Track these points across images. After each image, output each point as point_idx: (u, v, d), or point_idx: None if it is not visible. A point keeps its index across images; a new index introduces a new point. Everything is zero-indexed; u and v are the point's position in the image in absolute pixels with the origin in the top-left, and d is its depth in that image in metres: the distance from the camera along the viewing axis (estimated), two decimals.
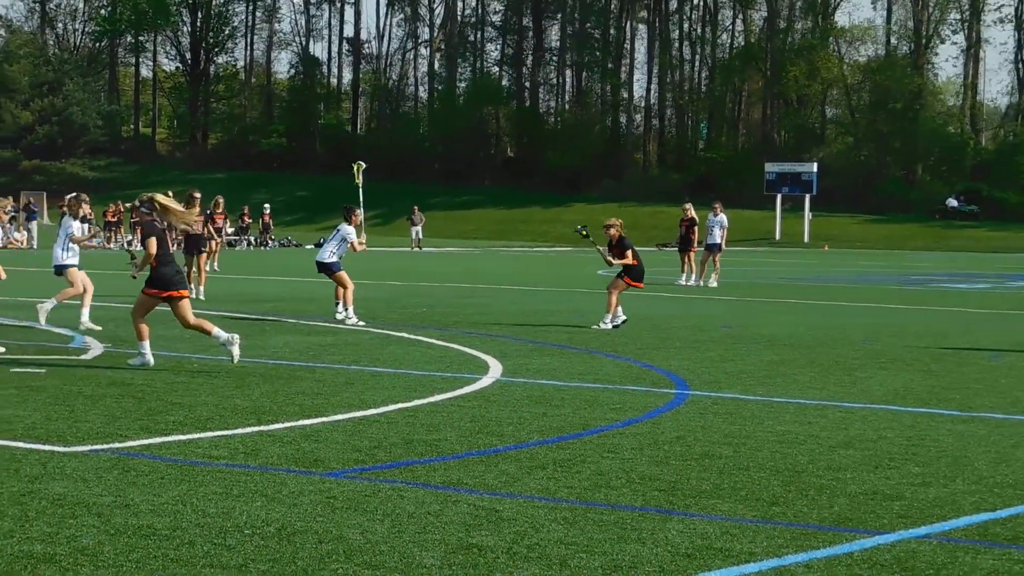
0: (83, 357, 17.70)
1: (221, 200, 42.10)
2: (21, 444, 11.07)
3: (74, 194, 24.65)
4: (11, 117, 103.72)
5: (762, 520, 9.01)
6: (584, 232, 25.65)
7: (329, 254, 24.80)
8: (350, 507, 9.09)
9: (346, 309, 24.17)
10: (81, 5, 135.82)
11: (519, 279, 41.89)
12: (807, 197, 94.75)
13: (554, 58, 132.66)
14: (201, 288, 29.80)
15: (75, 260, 22.59)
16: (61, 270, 22.60)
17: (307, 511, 8.93)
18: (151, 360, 16.64)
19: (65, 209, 23.15)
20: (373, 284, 37.53)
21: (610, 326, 23.36)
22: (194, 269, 29.96)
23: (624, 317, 23.79)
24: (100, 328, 21.21)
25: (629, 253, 24.02)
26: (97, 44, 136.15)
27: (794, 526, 8.87)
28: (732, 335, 22.99)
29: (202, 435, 11.78)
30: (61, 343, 19.45)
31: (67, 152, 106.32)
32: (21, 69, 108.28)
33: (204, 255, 31.02)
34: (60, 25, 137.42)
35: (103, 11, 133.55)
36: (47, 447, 10.97)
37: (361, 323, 23.69)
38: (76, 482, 9.66)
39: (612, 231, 24.29)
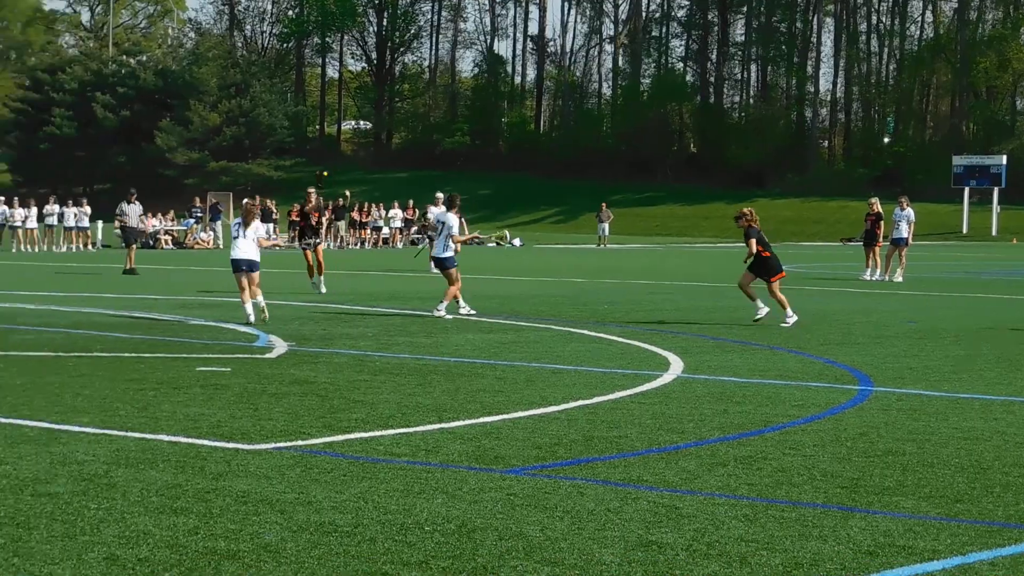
0: (267, 356, 17.93)
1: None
2: (206, 442, 11.24)
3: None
4: (199, 119, 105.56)
5: (946, 517, 8.85)
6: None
7: (444, 248, 24.45)
8: (530, 504, 9.09)
9: (442, 303, 24.07)
10: (269, 7, 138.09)
11: (702, 276, 41.61)
12: (995, 190, 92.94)
13: (739, 53, 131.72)
14: (321, 279, 30.34)
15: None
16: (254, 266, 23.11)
17: (487, 508, 8.95)
18: None
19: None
20: (556, 281, 37.57)
21: (792, 321, 23.04)
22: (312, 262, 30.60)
23: (762, 313, 23.30)
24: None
25: (753, 242, 23.39)
26: (284, 45, 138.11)
27: (979, 523, 8.71)
28: (917, 330, 22.62)
29: (384, 432, 11.87)
30: (246, 342, 19.72)
31: (254, 153, 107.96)
32: (210, 71, 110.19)
33: (320, 247, 31.16)
34: (248, 27, 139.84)
35: (290, 13, 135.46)
36: (231, 445, 11.13)
37: (454, 314, 23.81)
38: (259, 479, 9.78)
39: (740, 222, 23.92)
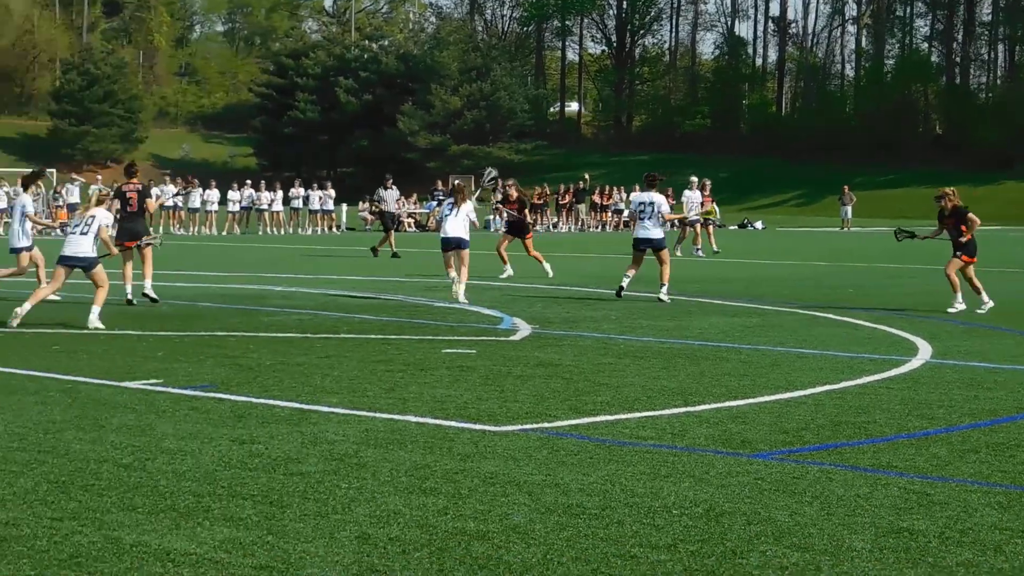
0: (512, 338, 18.03)
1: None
2: (453, 423, 11.33)
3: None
4: (441, 103, 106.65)
5: None
6: (902, 236, 24.58)
7: (655, 229, 23.88)
8: (778, 489, 8.99)
9: (664, 287, 23.60)
10: None
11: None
12: None
13: (985, 32, 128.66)
14: (547, 266, 30.05)
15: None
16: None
17: (735, 492, 8.88)
18: None
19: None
20: (799, 264, 37.18)
21: (986, 307, 22.20)
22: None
23: (990, 302, 22.41)
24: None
25: (973, 218, 22.57)
26: (524, 29, 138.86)
27: None
28: None
29: (629, 415, 11.85)
30: (491, 324, 19.86)
31: (494, 136, 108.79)
32: (451, 55, 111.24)
33: (528, 238, 31.02)
34: (488, 11, 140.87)
35: None
36: (478, 426, 11.20)
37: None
38: (507, 461, 9.83)
39: (943, 202, 22.86)
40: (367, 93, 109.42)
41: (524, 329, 19.02)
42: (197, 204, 61.68)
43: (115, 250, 20.89)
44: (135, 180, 23.02)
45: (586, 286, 27.11)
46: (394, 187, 44.43)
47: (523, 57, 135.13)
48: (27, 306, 18.65)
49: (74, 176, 68.90)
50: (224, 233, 59.69)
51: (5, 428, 10.85)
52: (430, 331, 18.76)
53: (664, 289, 23.58)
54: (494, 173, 31.43)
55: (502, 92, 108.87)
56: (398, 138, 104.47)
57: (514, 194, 31.82)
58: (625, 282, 23.85)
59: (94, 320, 18.70)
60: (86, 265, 19.38)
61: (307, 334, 18.21)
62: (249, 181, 66.24)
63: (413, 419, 11.48)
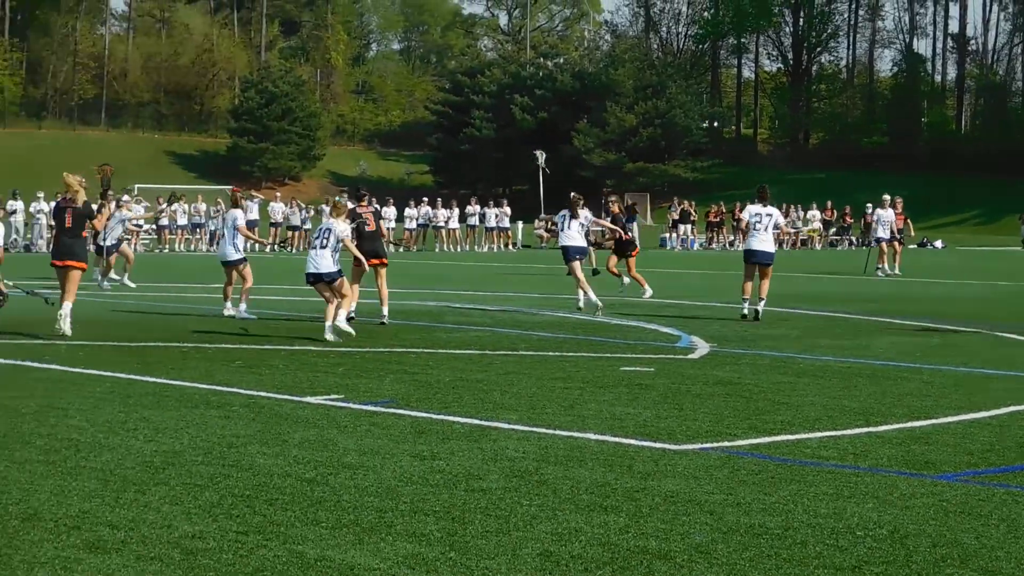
0: (690, 357, 17.94)
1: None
2: (633, 441, 11.29)
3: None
4: (616, 120, 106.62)
5: None
6: None
7: (333, 262, 21.70)
8: (963, 511, 8.83)
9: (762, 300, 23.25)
10: (684, 9, 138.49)
11: None
12: None
13: None
14: (647, 289, 28.78)
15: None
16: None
17: (919, 514, 8.74)
18: None
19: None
20: (980, 284, 36.54)
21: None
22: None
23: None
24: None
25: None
26: (699, 47, 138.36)
27: None
28: None
29: (810, 435, 11.72)
30: (668, 343, 19.78)
31: (669, 154, 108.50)
32: (626, 73, 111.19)
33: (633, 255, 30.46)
34: (664, 29, 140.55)
35: (706, 14, 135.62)
36: (658, 444, 11.16)
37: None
38: (687, 479, 9.77)
39: None
40: (542, 111, 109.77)
41: (702, 347, 18.91)
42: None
43: (366, 266, 21.79)
44: (364, 204, 23.12)
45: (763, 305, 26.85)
46: (586, 208, 44.29)
47: (699, 75, 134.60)
48: (338, 320, 19.86)
49: (253, 193, 69.94)
50: (401, 250, 60.18)
51: (190, 442, 11.03)
52: (608, 349, 18.75)
53: (762, 303, 23.37)
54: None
55: (677, 110, 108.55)
56: (573, 155, 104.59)
57: (615, 210, 31.31)
58: (746, 306, 23.51)
59: (342, 322, 19.73)
60: (330, 279, 19.97)
61: (485, 351, 18.29)
62: (426, 198, 66.78)
63: (592, 436, 11.47)
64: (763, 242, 23.58)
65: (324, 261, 19.98)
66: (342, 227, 20.35)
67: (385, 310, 22.03)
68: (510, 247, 65.60)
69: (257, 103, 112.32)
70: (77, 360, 16.65)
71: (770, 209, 23.74)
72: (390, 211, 63.89)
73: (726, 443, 11.28)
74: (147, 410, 12.70)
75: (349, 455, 10.50)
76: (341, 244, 20.19)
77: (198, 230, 61.61)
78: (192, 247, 60.76)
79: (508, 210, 66.08)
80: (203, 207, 62.56)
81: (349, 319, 20.63)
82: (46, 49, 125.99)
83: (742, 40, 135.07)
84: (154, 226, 61.50)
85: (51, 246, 20.59)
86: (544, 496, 9.15)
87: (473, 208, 65.30)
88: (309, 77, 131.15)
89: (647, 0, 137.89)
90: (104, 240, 30.44)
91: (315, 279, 20.07)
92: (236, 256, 23.35)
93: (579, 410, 12.98)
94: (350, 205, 22.64)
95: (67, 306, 19.27)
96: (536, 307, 26.19)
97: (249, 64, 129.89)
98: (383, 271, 22.23)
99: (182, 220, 60.64)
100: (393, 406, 13.06)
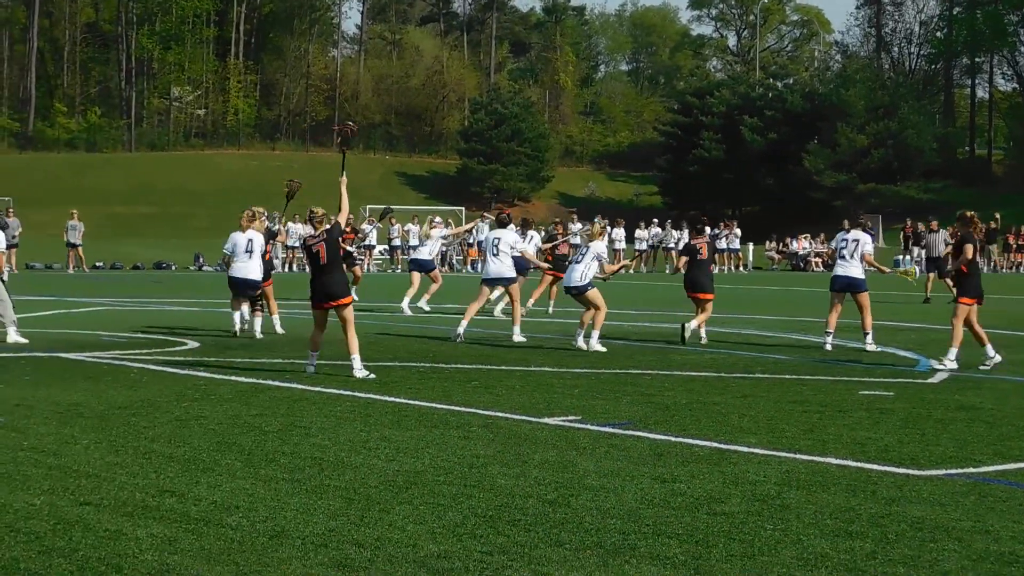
0: (929, 381, 17.63)
1: None
2: (875, 466, 11.13)
3: None
4: (847, 141, 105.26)
5: None
6: None
7: (580, 276, 21.48)
8: None
9: (588, 336, 21.39)
10: (916, 28, 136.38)
11: None
12: None
13: None
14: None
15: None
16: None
17: None
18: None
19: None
20: None
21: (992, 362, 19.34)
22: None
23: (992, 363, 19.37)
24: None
25: (969, 248, 19.37)
26: (932, 66, 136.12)
27: None
28: None
29: None
30: (907, 366, 19.46)
31: (902, 175, 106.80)
32: (857, 93, 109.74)
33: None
34: (895, 49, 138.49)
35: (939, 34, 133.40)
36: (901, 470, 10.98)
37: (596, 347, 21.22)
38: (933, 506, 9.60)
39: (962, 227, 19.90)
40: (772, 131, 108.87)
41: (943, 372, 18.55)
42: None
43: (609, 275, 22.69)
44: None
45: (1002, 328, 26.27)
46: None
47: (932, 95, 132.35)
48: (588, 342, 20.93)
49: (485, 215, 70.57)
50: (631, 272, 60.11)
51: (431, 462, 11.14)
52: (844, 372, 18.50)
53: (869, 337, 21.91)
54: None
55: (910, 130, 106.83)
56: (803, 177, 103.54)
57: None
58: (829, 340, 21.81)
59: (594, 343, 21.09)
60: (577, 291, 21.46)
61: (721, 373, 18.20)
62: (656, 219, 66.72)
63: (834, 461, 11.32)
64: (847, 267, 22.05)
65: (574, 275, 21.53)
66: (600, 247, 21.86)
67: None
68: (741, 268, 65.24)
69: (486, 124, 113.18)
70: (317, 380, 16.94)
71: (859, 235, 22.10)
72: (619, 232, 64.03)
73: (972, 469, 11.06)
74: (387, 429, 12.87)
75: (590, 477, 10.51)
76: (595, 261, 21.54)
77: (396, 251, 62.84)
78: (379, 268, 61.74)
79: (738, 231, 65.77)
80: (415, 228, 63.27)
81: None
82: (279, 72, 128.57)
83: (976, 59, 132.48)
84: (387, 246, 62.57)
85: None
86: (787, 521, 9.06)
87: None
88: (538, 98, 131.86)
89: (878, 20, 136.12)
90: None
91: (574, 291, 21.60)
92: (512, 274, 24.10)
93: (819, 434, 12.82)
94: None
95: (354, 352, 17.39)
96: (771, 329, 25.96)
97: (479, 86, 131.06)
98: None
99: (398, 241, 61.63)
100: (631, 428, 13.05)
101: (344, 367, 17.25)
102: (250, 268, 22.92)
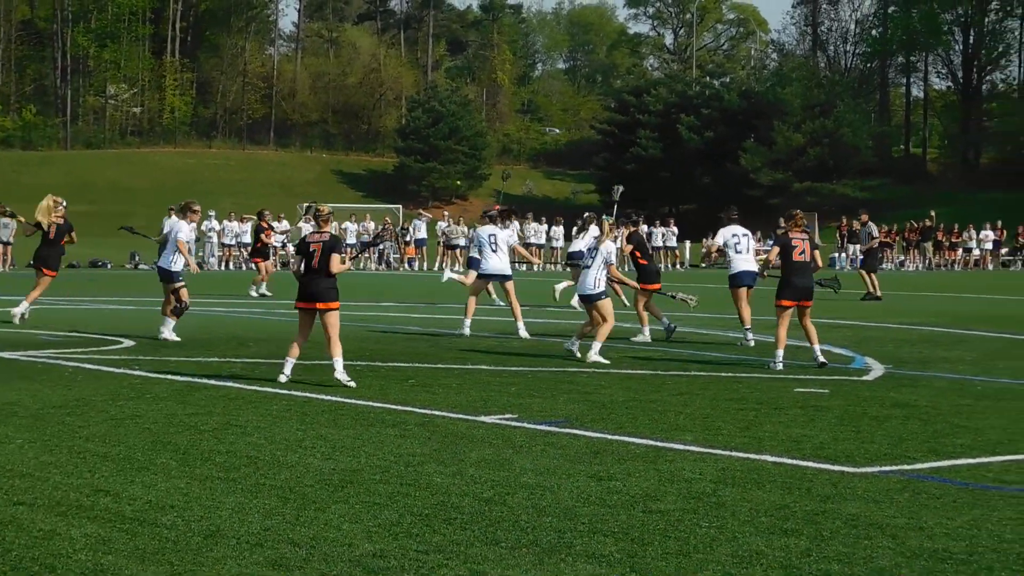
0: (865, 378, 17.72)
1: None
2: (811, 463, 11.18)
3: None
4: (784, 139, 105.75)
5: None
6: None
7: (594, 283, 20.22)
8: None
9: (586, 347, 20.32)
10: (852, 27, 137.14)
11: None
12: None
13: None
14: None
15: None
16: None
17: None
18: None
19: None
20: None
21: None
22: None
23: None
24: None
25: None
26: (868, 65, 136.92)
27: None
28: None
29: (992, 459, 11.52)
30: (842, 364, 19.55)
31: (838, 173, 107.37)
32: (793, 92, 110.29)
33: None
34: (831, 48, 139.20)
35: (874, 32, 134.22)
36: (836, 467, 11.03)
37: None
38: (868, 503, 9.65)
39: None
40: (709, 130, 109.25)
41: (877, 369, 18.67)
42: (542, 240, 62.53)
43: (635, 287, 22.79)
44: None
45: (937, 325, 26.47)
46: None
47: (867, 93, 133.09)
48: (588, 354, 19.54)
49: (422, 212, 70.62)
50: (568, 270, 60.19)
51: (368, 460, 11.12)
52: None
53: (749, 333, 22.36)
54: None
55: (845, 129, 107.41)
56: (740, 175, 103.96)
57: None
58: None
59: (594, 355, 19.44)
60: (589, 299, 20.10)
61: (658, 371, 18.25)
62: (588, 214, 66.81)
63: (770, 458, 11.37)
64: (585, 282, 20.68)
65: (587, 281, 20.11)
66: (611, 247, 20.36)
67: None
68: (678, 266, 65.45)
69: (424, 122, 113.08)
70: (253, 378, 16.87)
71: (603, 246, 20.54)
72: (558, 230, 64.09)
73: (906, 466, 11.13)
74: (324, 428, 12.84)
75: (526, 475, 10.52)
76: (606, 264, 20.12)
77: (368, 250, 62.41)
78: (361, 265, 61.39)
79: (675, 230, 66.01)
80: (371, 226, 63.30)
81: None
82: (216, 69, 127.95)
83: (911, 58, 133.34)
84: None
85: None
86: (723, 518, 9.09)
87: (640, 228, 65.07)
88: (475, 96, 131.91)
89: (814, 18, 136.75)
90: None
91: (582, 299, 20.43)
92: (510, 270, 24.22)
93: (755, 431, 12.88)
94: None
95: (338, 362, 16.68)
96: (705, 327, 26.04)
97: (416, 83, 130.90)
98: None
99: (351, 239, 61.24)
100: (568, 426, 13.06)
101: (274, 366, 17.11)
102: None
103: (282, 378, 16.45)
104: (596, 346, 19.61)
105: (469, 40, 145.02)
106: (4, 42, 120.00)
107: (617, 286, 24.62)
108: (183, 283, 22.27)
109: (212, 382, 16.43)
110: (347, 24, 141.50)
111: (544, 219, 65.29)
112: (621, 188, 30.35)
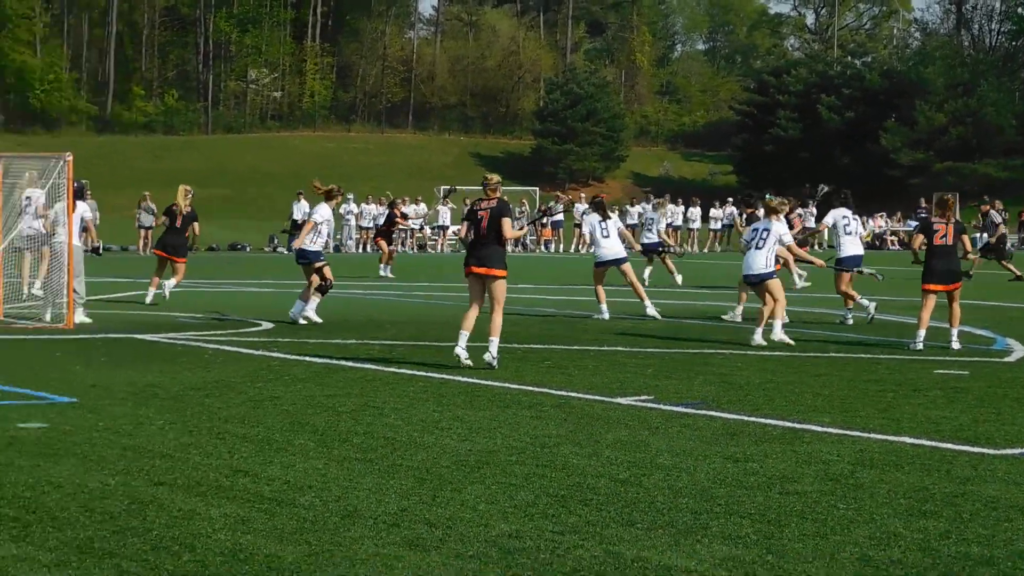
0: (1006, 360, 17.48)
1: None
2: (950, 445, 11.04)
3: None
4: (925, 119, 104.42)
5: None
6: None
7: (765, 262, 19.83)
8: None
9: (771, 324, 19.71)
10: (997, 5, 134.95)
11: None
12: None
13: None
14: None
15: None
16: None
17: None
18: None
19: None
20: None
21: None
22: None
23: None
24: None
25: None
26: (1013, 43, 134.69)
27: None
28: None
29: None
30: (984, 345, 19.28)
31: (980, 153, 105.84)
32: (936, 71, 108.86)
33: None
34: (975, 26, 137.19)
35: (1020, 10, 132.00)
36: (976, 449, 10.89)
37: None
38: (1008, 485, 9.52)
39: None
40: (849, 110, 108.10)
41: (1019, 350, 18.40)
42: (679, 222, 62.34)
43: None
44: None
45: None
46: None
47: (1011, 72, 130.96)
48: (769, 336, 19.27)
49: (559, 195, 70.63)
50: (705, 251, 60.02)
51: (504, 441, 11.15)
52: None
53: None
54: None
55: (989, 108, 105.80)
56: (880, 155, 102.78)
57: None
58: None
59: (778, 333, 19.25)
60: (757, 280, 19.83)
61: (795, 353, 18.11)
62: (731, 199, 66.51)
63: (908, 440, 11.25)
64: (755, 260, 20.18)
65: (757, 262, 19.80)
66: (781, 227, 20.05)
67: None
68: (815, 247, 64.92)
69: (562, 104, 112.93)
70: (390, 359, 16.98)
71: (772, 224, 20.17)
72: (695, 211, 63.85)
73: None
74: (460, 409, 12.89)
75: (662, 456, 10.49)
76: (777, 245, 19.85)
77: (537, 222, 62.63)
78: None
79: (814, 210, 65.41)
80: (421, 208, 62.88)
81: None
82: (356, 54, 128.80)
83: None
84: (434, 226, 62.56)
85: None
86: (861, 500, 9.01)
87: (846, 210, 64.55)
88: (614, 78, 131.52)
89: None
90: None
91: (750, 280, 20.09)
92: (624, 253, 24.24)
93: (893, 413, 12.74)
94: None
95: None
96: (843, 308, 25.75)
97: (554, 66, 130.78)
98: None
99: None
100: (704, 407, 13.01)
101: (412, 348, 17.20)
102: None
103: (461, 353, 16.12)
104: (778, 324, 19.44)
105: (608, 22, 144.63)
106: (147, 28, 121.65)
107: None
108: (325, 261, 22.40)
109: (350, 364, 16.56)
110: (486, 7, 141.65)
111: (680, 200, 65.05)
112: (825, 188, 29.69)
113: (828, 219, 23.61)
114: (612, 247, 23.96)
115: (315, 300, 22.17)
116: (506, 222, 16.27)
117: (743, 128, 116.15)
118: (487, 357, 16.06)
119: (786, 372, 15.94)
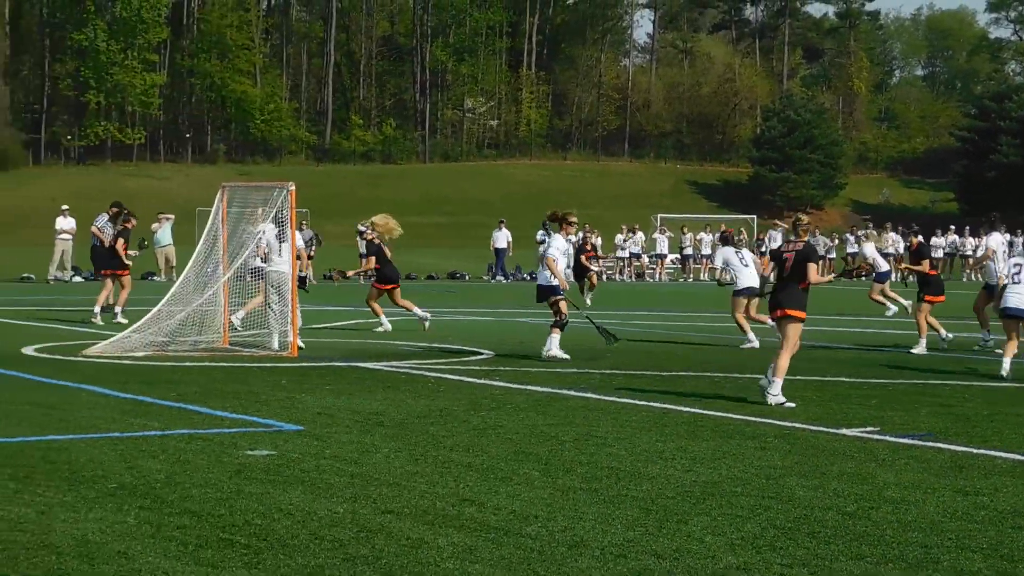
0: None
1: None
2: None
3: None
4: None
5: None
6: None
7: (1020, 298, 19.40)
8: None
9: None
10: None
11: None
12: None
13: None
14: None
15: None
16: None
17: None
18: None
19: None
20: None
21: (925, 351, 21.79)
22: None
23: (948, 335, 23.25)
24: None
25: (926, 263, 23.41)
26: None
27: None
28: None
29: None
30: None
31: None
32: None
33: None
34: None
35: None
36: None
37: None
38: None
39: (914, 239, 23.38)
40: None
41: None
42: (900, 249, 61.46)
43: None
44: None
45: None
46: None
47: None
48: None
49: (777, 223, 70.10)
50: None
51: (728, 472, 11.09)
52: None
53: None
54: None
55: None
56: None
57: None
58: (1005, 364, 19.00)
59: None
60: (1018, 315, 19.22)
61: (1022, 384, 17.75)
62: (952, 226, 65.43)
63: None
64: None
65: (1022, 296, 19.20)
66: None
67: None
68: None
69: (779, 131, 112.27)
70: (609, 390, 17.00)
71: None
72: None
73: None
74: (683, 439, 12.86)
75: (889, 489, 10.36)
76: None
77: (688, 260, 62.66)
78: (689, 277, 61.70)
79: None
80: (707, 238, 62.61)
81: None
82: (571, 81, 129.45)
83: None
84: (678, 255, 62.66)
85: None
86: None
87: (1002, 236, 63.32)
88: (831, 104, 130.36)
89: None
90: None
91: (1012, 314, 19.33)
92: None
93: None
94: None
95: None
96: None
97: (770, 93, 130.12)
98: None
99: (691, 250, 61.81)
100: (931, 439, 12.81)
101: (631, 376, 17.15)
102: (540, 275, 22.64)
103: (772, 398, 15.57)
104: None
105: (825, 48, 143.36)
106: (365, 57, 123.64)
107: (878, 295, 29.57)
108: (562, 296, 22.05)
109: (570, 392, 16.61)
110: (701, 34, 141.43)
111: (900, 228, 64.10)
112: None
113: (990, 242, 24.28)
114: (747, 277, 23.97)
115: (555, 337, 21.80)
116: (811, 267, 15.99)
117: (963, 154, 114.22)
118: (772, 400, 15.50)
119: (1015, 404, 15.64)
